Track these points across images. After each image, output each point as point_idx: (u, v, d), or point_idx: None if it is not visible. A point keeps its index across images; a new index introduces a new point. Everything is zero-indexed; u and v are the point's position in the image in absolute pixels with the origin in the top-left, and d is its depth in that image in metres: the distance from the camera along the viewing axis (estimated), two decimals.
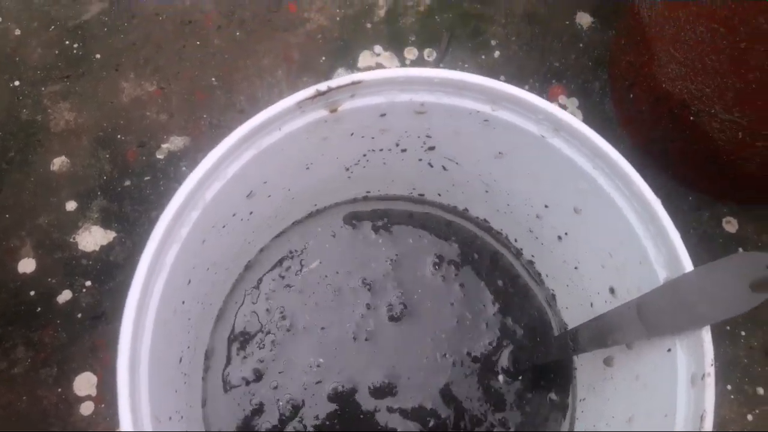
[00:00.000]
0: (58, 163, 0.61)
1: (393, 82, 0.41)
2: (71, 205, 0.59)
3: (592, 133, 0.41)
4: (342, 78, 0.40)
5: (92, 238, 0.58)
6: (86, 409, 0.53)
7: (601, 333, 0.42)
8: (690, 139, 0.57)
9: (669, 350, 0.39)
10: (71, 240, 0.58)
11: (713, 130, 0.54)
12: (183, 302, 0.40)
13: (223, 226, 0.43)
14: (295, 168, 0.45)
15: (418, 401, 0.48)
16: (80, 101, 0.63)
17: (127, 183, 0.61)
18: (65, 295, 0.56)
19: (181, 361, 0.41)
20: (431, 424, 0.48)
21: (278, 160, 0.42)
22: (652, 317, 0.39)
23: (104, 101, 0.64)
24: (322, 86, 0.39)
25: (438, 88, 0.41)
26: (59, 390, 0.53)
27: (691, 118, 0.55)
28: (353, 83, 0.40)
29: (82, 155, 0.61)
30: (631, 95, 0.61)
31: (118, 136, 0.62)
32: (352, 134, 0.44)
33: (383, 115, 0.43)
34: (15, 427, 0.51)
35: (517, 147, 0.44)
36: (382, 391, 0.48)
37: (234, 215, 0.43)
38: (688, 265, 0.39)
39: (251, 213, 0.45)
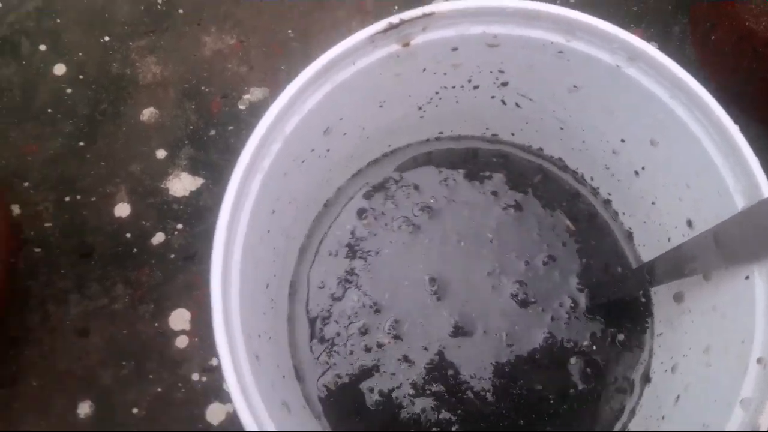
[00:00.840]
0: (147, 113, 0.64)
1: (465, 14, 0.41)
2: (161, 154, 0.62)
3: (670, 61, 0.41)
4: (414, 10, 0.40)
5: (182, 184, 0.61)
6: (181, 342, 0.56)
7: (678, 264, 0.42)
8: None
9: (747, 278, 0.39)
10: (162, 186, 0.61)
11: None
12: (268, 231, 0.43)
13: (303, 161, 0.44)
14: (369, 105, 0.46)
15: (500, 333, 0.49)
16: (165, 55, 0.66)
17: (212, 132, 0.63)
18: (159, 237, 0.59)
19: (268, 286, 0.44)
20: (512, 355, 0.48)
21: (353, 96, 0.43)
22: (729, 245, 0.38)
23: (188, 55, 0.66)
24: (394, 19, 0.40)
25: (511, 19, 0.41)
26: (156, 325, 0.56)
27: None
28: (425, 15, 0.40)
29: (170, 106, 0.64)
30: (713, 36, 0.59)
31: (202, 88, 0.64)
32: (424, 70, 0.45)
33: (455, 49, 0.43)
34: (118, 357, 0.55)
35: (592, 79, 0.44)
36: (461, 330, 0.49)
37: (312, 151, 0.45)
38: (766, 191, 0.38)
39: (328, 150, 0.47)
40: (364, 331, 0.49)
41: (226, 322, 0.35)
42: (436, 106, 0.49)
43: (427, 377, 0.48)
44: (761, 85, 0.56)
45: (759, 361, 0.36)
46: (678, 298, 0.48)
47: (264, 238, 0.42)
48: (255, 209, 0.39)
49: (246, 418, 0.34)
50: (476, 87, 0.48)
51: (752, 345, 0.37)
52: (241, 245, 0.38)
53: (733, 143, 0.39)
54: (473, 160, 0.54)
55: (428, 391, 0.48)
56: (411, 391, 0.47)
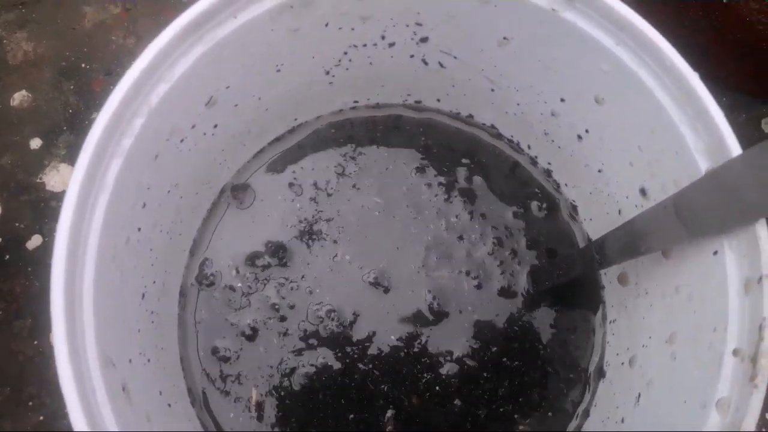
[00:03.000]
0: (19, 98, 0.56)
1: None
2: (36, 143, 0.55)
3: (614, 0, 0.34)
4: None
5: (61, 177, 0.54)
6: None
7: (633, 240, 0.36)
8: (722, 28, 0.50)
9: (715, 253, 0.33)
10: (38, 180, 0.54)
11: (751, 12, 0.47)
12: (139, 229, 0.35)
13: (181, 140, 0.36)
14: (262, 69, 0.38)
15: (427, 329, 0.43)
16: (38, 29, 0.58)
17: (95, 115, 0.54)
18: (35, 241, 0.52)
19: (144, 297, 0.36)
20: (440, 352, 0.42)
21: (239, 58, 0.36)
22: (693, 215, 0.33)
23: (65, 28, 0.58)
24: None
25: None
26: (35, 342, 0.49)
27: (723, 1, 0.48)
28: None
29: (45, 88, 0.56)
30: None
31: (83, 65, 0.57)
32: (326, 24, 0.38)
33: None
34: None
35: (524, 28, 0.37)
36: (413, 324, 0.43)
37: (193, 127, 0.37)
38: (735, 149, 0.32)
39: (215, 126, 0.39)
40: (282, 332, 0.42)
41: (72, 351, 0.27)
42: (347, 69, 0.42)
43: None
44: (708, 36, 0.51)
45: (735, 352, 0.31)
46: (623, 279, 0.42)
47: (133, 238, 0.34)
48: (113, 204, 0.31)
49: None
50: (391, 45, 0.41)
51: (726, 333, 0.31)
52: (95, 249, 0.30)
53: (692, 93, 0.33)
54: (395, 132, 0.47)
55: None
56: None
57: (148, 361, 0.35)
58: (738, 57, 0.52)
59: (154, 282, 0.37)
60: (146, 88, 0.32)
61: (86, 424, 0.27)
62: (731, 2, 0.47)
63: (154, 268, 0.37)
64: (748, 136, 0.55)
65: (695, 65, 0.34)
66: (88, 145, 0.30)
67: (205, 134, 0.38)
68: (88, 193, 0.30)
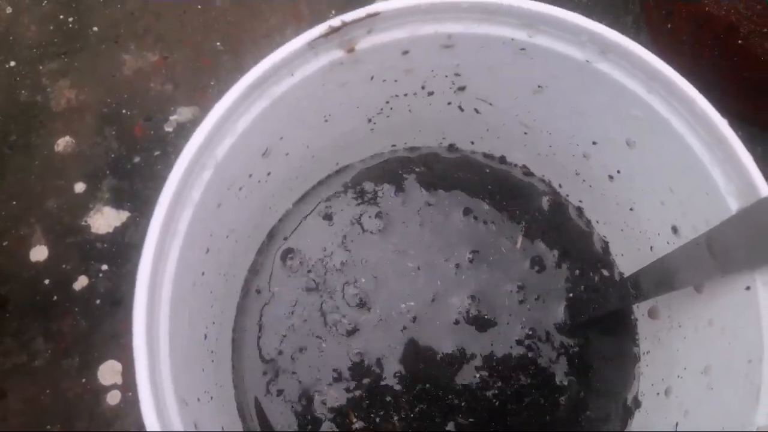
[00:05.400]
0: (63, 143, 0.58)
1: (415, 12, 0.36)
2: (80, 187, 0.56)
3: (645, 52, 0.37)
4: (357, 11, 0.35)
5: (105, 220, 0.55)
6: (113, 398, 0.50)
7: (667, 275, 0.38)
8: (739, 66, 0.52)
9: (748, 288, 0.35)
10: (83, 223, 0.55)
11: (765, 52, 0.49)
12: (203, 273, 0.37)
13: (240, 189, 0.39)
14: (312, 120, 0.41)
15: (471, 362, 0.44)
16: (80, 77, 0.60)
17: (137, 159, 0.57)
18: (81, 281, 0.53)
19: (206, 337, 0.38)
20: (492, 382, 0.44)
21: (293, 111, 0.38)
22: (725, 252, 0.34)
23: (105, 76, 0.60)
24: (335, 21, 0.35)
25: (466, 15, 0.37)
26: (83, 380, 0.51)
27: (740, 41, 0.50)
28: (369, 15, 0.35)
29: (87, 134, 0.58)
30: (670, 25, 0.56)
31: (123, 111, 0.59)
32: (372, 78, 0.40)
33: (406, 52, 0.38)
34: (41, 420, 0.49)
35: (559, 77, 0.40)
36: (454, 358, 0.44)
37: (250, 176, 0.39)
38: (764, 190, 0.34)
39: (269, 174, 0.41)
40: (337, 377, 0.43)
41: (154, 393, 0.29)
42: (388, 116, 0.44)
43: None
44: (725, 74, 0.53)
45: None
46: (653, 313, 0.44)
47: (198, 282, 0.36)
48: (185, 250, 0.33)
49: None
50: (431, 93, 0.43)
51: (761, 365, 0.33)
52: (170, 294, 0.32)
53: (721, 138, 0.35)
54: (429, 173, 0.49)
55: None
56: None
57: (211, 398, 0.37)
58: (753, 93, 0.54)
59: (213, 323, 0.39)
60: (213, 143, 0.34)
61: None
62: (747, 43, 0.49)
63: (213, 309, 0.39)
64: (764, 168, 0.57)
65: (713, 101, 0.36)
66: (165, 195, 0.32)
67: (259, 182, 0.40)
68: (163, 241, 0.32)
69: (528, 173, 0.49)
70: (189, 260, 0.34)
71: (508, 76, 0.41)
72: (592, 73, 0.38)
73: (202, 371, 0.36)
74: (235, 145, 0.35)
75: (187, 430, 0.30)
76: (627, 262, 0.46)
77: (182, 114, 0.59)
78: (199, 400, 0.34)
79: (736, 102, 0.55)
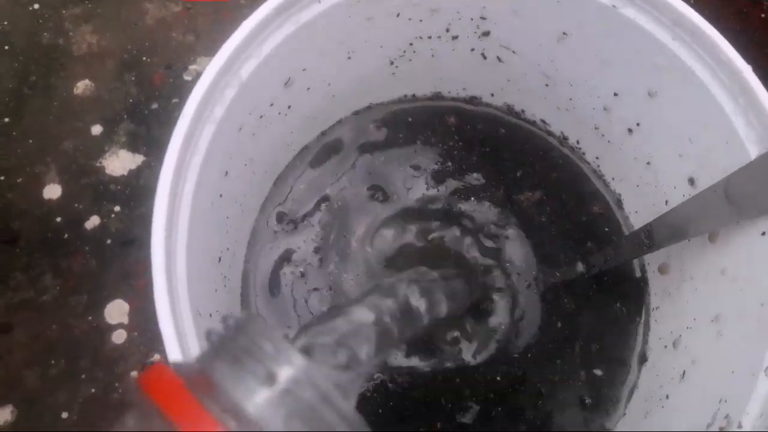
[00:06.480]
0: (82, 86, 0.58)
1: None
2: (97, 129, 0.56)
3: None
4: None
5: (120, 162, 0.55)
6: (118, 337, 0.50)
7: (681, 224, 0.38)
8: (761, 40, 0.52)
9: (763, 233, 0.35)
10: (98, 164, 0.55)
11: None
12: (221, 195, 0.37)
13: (261, 117, 0.39)
14: (335, 55, 0.41)
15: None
16: (103, 23, 0.60)
17: (155, 106, 0.57)
18: (93, 221, 0.53)
19: (220, 260, 0.38)
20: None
21: (317, 41, 0.38)
22: (742, 197, 0.34)
23: (128, 23, 0.60)
24: None
25: None
26: (90, 318, 0.50)
27: (762, 15, 0.51)
28: None
29: (107, 79, 0.58)
30: (693, 1, 0.57)
31: (144, 59, 0.59)
32: (398, 15, 0.40)
33: None
34: (45, 355, 0.49)
35: (584, 23, 0.40)
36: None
37: (272, 105, 0.39)
38: None
39: (289, 107, 0.41)
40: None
41: (170, 292, 0.29)
42: (410, 60, 0.44)
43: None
44: (753, 48, 0.53)
45: None
46: (663, 269, 0.44)
47: (216, 203, 0.36)
48: (204, 167, 0.33)
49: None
50: (455, 37, 0.43)
51: None
52: (189, 207, 0.32)
53: (744, 84, 0.35)
54: (445, 126, 0.49)
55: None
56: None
57: None
58: None
59: (227, 248, 0.39)
60: (239, 61, 0.34)
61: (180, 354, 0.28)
62: None
63: (228, 236, 0.39)
64: None
65: (745, 56, 0.36)
66: (188, 107, 0.32)
67: (279, 113, 0.40)
68: (184, 155, 0.32)
69: (547, 131, 0.49)
70: (208, 178, 0.34)
71: (534, 21, 0.41)
72: (617, 18, 0.38)
73: (215, 291, 0.36)
74: (259, 68, 0.35)
75: (199, 335, 0.30)
76: (641, 219, 0.46)
77: (202, 64, 0.59)
78: (211, 315, 0.34)
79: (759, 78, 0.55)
